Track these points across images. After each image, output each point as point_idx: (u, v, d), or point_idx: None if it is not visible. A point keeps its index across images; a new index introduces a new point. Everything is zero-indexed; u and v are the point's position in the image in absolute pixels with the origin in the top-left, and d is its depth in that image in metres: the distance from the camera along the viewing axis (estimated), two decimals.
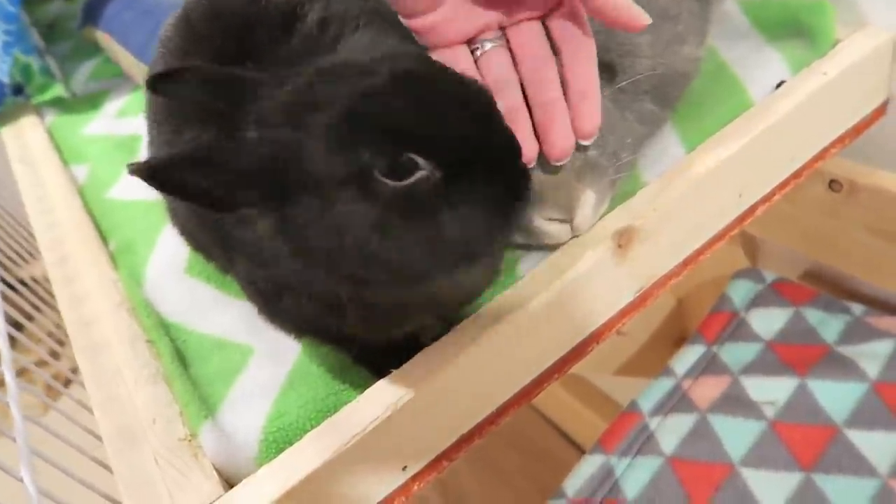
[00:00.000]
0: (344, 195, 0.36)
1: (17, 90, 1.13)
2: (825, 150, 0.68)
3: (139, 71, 0.99)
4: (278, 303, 0.47)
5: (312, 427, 0.49)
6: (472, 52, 0.49)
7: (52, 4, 1.67)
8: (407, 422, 0.48)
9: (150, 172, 0.34)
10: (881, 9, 0.71)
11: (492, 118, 0.38)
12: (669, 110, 0.64)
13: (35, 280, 1.47)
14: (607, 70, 0.57)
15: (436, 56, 0.46)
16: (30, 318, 1.34)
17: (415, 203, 0.36)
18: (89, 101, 1.10)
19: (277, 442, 0.50)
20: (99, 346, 0.61)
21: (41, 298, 1.43)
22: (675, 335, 1.09)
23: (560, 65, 0.49)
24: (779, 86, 0.65)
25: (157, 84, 0.41)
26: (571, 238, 0.54)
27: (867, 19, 0.72)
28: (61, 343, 1.44)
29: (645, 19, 0.45)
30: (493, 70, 0.48)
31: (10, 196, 1.28)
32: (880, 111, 0.72)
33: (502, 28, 0.49)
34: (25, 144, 1.03)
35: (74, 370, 1.46)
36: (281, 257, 0.39)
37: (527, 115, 0.47)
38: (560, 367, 0.57)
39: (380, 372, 0.51)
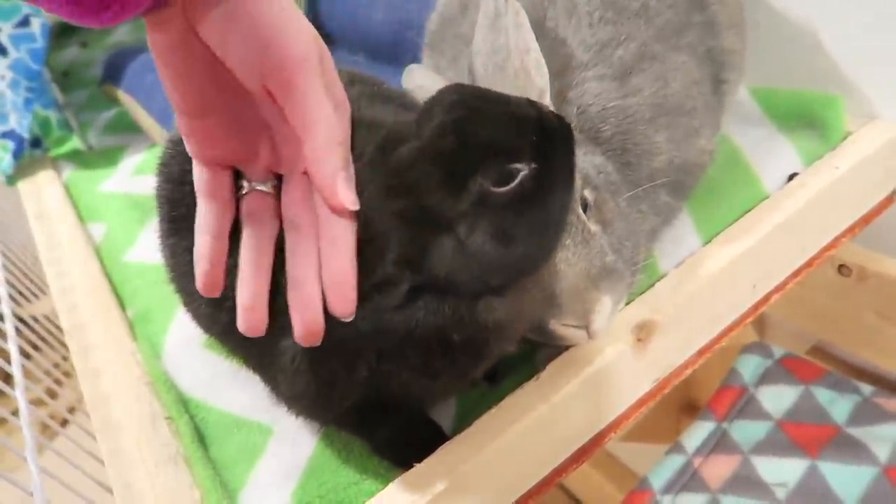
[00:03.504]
0: (468, 221, 0.40)
1: (35, 143, 1.14)
2: (836, 240, 0.69)
3: (159, 133, 1.00)
4: (329, 378, 0.45)
5: None
6: (239, 187, 0.44)
7: (68, 51, 1.69)
8: None
9: None
10: (889, 101, 0.73)
11: (538, 108, 0.43)
12: (684, 201, 0.66)
13: (36, 319, 1.46)
14: (626, 170, 0.59)
15: (195, 170, 0.43)
16: (28, 356, 1.33)
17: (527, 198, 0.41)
18: (106, 157, 1.11)
19: None
20: (118, 424, 0.61)
21: (43, 338, 1.42)
22: (681, 403, 1.09)
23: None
24: (791, 178, 0.67)
25: None
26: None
27: (875, 110, 0.74)
28: (59, 382, 1.43)
29: (351, 204, 0.39)
30: (250, 216, 0.44)
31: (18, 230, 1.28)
32: (889, 200, 0.74)
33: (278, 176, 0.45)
34: (42, 199, 1.03)
35: (72, 409, 1.44)
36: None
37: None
38: (579, 456, 0.57)
39: (400, 462, 0.52)
